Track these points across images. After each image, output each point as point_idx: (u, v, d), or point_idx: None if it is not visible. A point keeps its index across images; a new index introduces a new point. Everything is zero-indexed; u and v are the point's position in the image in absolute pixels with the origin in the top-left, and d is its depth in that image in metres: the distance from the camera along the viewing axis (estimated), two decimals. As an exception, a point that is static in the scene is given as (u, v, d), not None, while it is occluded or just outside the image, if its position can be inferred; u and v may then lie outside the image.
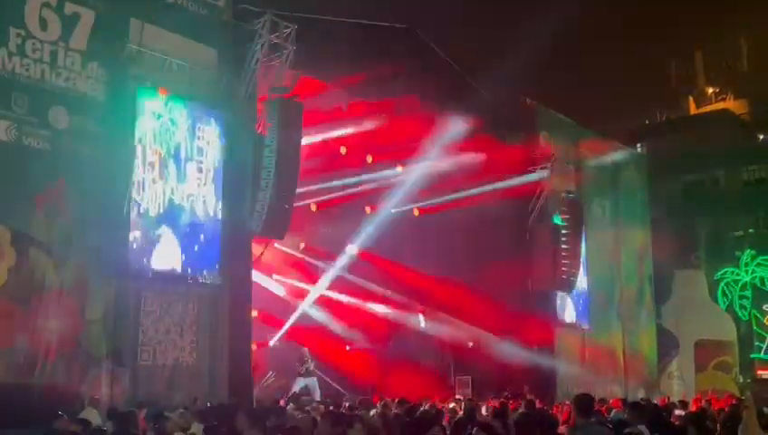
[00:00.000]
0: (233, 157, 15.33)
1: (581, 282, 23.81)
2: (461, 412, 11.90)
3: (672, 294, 29.91)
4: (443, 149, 20.45)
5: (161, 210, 14.02)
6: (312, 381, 19.00)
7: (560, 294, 23.12)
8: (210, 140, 15.05)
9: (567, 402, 15.64)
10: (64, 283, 12.57)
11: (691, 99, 49.03)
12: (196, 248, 14.52)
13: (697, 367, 29.29)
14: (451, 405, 14.30)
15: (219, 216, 15.01)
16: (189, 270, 14.37)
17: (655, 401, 16.07)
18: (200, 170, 14.83)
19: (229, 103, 15.30)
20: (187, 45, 14.68)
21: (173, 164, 14.33)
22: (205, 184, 14.86)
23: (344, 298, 21.78)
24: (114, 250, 13.26)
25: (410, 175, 21.65)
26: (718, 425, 9.92)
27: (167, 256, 14.05)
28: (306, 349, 19.58)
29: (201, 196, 14.77)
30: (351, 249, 21.93)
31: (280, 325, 20.56)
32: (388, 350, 22.53)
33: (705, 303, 30.87)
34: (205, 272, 14.61)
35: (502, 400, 16.18)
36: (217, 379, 14.53)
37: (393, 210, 22.17)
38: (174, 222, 14.20)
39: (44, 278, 12.34)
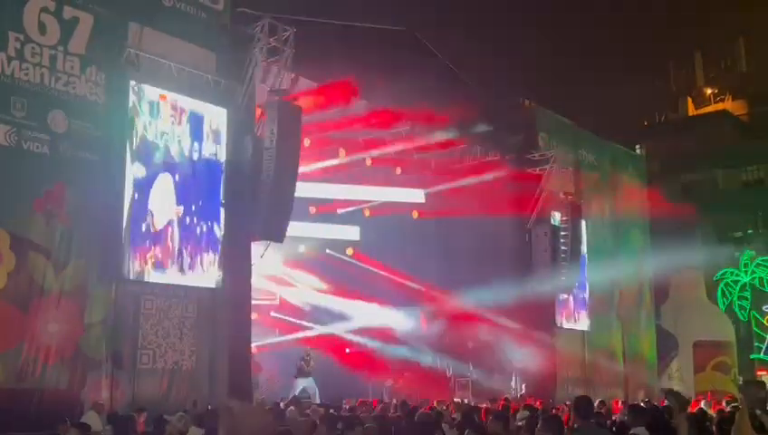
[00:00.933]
0: (232, 160, 15.34)
1: (581, 283, 23.83)
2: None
3: (670, 294, 29.95)
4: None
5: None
6: (311, 383, 19.00)
7: (559, 295, 23.14)
8: (209, 143, 15.08)
9: (567, 404, 15.65)
10: (64, 287, 12.57)
11: (690, 100, 49.08)
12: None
13: (696, 368, 29.34)
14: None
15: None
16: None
17: (655, 403, 16.07)
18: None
19: (228, 107, 15.31)
20: (186, 49, 14.70)
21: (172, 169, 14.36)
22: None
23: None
24: (114, 253, 13.26)
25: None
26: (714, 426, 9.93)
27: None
28: (308, 347, 19.61)
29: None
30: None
31: (281, 327, 20.66)
32: (388, 351, 22.54)
33: (703, 303, 30.91)
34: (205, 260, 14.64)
35: (503, 402, 16.20)
36: (217, 382, 14.51)
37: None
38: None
39: (44, 282, 12.33)
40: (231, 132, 15.37)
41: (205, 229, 14.86)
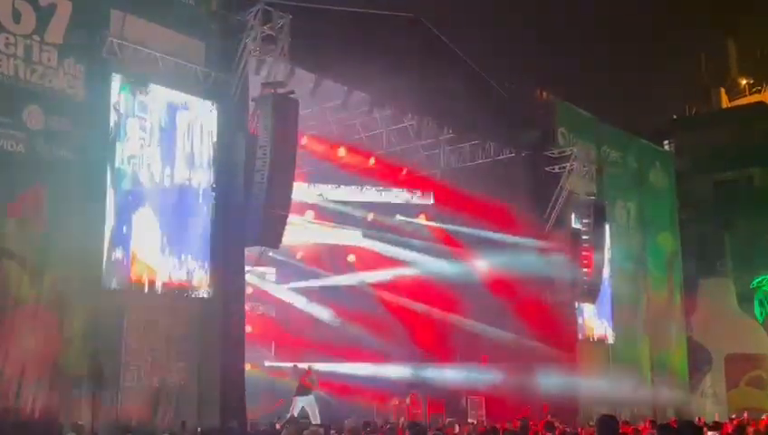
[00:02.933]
0: (223, 158, 15.35)
1: (605, 292, 23.77)
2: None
3: (700, 304, 29.86)
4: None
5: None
6: (310, 401, 18.99)
7: (581, 305, 23.08)
8: (199, 141, 15.11)
9: (591, 424, 15.60)
10: (41, 297, 12.60)
11: (722, 91, 48.94)
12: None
13: (729, 383, 29.22)
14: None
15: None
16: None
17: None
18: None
19: (219, 101, 15.32)
20: (173, 38, 14.71)
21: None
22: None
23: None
24: (95, 262, 13.27)
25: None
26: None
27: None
28: (309, 364, 19.67)
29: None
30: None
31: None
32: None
33: (735, 313, 30.79)
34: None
35: (520, 422, 16.15)
36: (208, 401, 14.53)
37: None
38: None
39: (18, 292, 12.37)
40: (222, 129, 15.38)
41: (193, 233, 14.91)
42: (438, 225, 23.65)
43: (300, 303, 22.92)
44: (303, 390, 19.09)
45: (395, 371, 22.04)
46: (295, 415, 17.82)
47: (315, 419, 17.97)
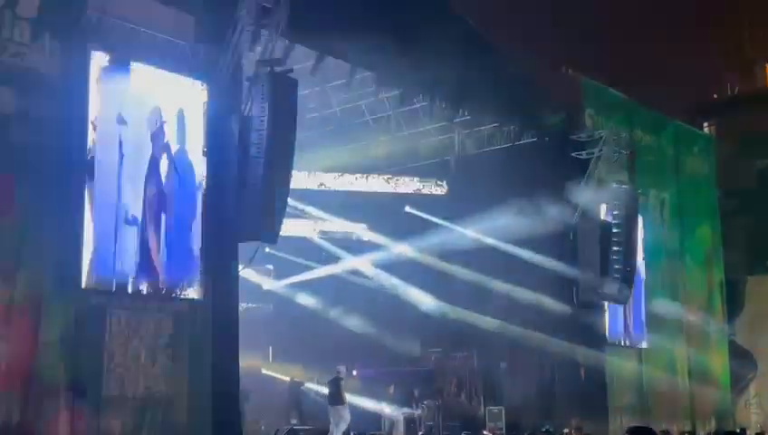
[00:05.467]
0: (214, 144, 15.35)
1: (637, 291, 23.75)
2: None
3: (745, 304, 29.80)
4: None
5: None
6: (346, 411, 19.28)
7: (611, 305, 23.07)
8: (186, 125, 15.12)
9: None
10: (13, 298, 12.58)
11: (768, 67, 48.75)
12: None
13: (776, 392, 29.20)
14: None
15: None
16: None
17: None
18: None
19: (209, 80, 15.30)
20: (158, 11, 14.65)
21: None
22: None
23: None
24: (74, 259, 13.29)
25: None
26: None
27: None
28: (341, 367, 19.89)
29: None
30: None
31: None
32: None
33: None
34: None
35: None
36: (199, 413, 14.55)
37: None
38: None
39: (-11, 293, 12.36)
40: (213, 111, 15.36)
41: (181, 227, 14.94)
42: (450, 224, 23.67)
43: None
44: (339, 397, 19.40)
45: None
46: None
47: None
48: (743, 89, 46.22)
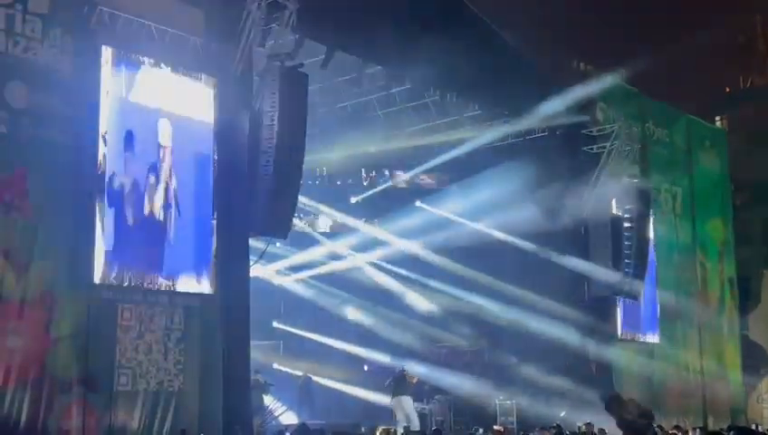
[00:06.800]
0: (225, 140, 15.41)
1: (649, 286, 23.72)
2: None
3: (761, 299, 29.71)
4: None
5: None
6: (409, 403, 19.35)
7: (622, 301, 23.06)
8: (197, 121, 15.18)
9: None
10: (26, 293, 12.68)
11: (783, 59, 48.53)
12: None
13: (790, 388, 29.15)
14: None
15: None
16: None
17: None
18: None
19: (220, 75, 15.35)
20: (168, 6, 14.77)
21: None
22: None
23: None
24: (86, 254, 13.37)
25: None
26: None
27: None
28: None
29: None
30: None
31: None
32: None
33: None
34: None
35: (554, 430, 16.22)
36: (210, 407, 14.64)
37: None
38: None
39: (1, 288, 12.44)
40: (223, 106, 15.41)
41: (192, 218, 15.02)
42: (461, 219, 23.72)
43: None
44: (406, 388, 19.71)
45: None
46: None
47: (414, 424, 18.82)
48: (756, 82, 46.07)
